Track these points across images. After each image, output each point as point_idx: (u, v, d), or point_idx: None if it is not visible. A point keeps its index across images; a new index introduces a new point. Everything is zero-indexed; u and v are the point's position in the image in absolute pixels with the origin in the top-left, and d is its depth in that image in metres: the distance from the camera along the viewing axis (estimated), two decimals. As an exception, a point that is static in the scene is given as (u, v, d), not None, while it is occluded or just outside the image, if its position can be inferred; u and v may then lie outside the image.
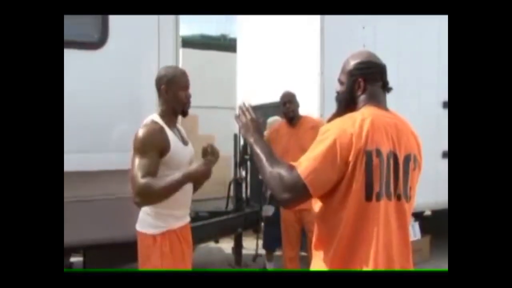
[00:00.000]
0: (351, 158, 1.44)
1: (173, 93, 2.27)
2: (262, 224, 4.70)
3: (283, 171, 1.49)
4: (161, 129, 2.20)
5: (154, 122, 2.22)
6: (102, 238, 3.13)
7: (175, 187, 2.06)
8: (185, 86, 2.31)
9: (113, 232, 3.06)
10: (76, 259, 3.95)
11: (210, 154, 2.31)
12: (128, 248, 2.65)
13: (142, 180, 2.04)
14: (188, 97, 2.32)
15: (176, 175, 2.05)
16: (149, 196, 2.06)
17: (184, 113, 2.35)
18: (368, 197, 1.46)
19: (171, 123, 2.30)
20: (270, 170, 1.51)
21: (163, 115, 2.28)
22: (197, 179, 2.13)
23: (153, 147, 2.13)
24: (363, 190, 1.46)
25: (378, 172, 1.47)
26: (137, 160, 2.11)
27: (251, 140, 1.66)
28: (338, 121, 1.54)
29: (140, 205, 2.14)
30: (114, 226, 3.02)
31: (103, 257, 3.32)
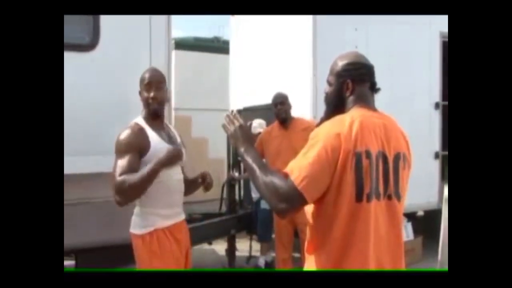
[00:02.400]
0: (341, 160, 1.44)
1: (141, 94, 2.33)
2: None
3: (277, 181, 1.47)
4: (141, 130, 2.23)
5: (135, 124, 2.26)
6: (92, 242, 3.11)
7: (149, 176, 2.10)
8: (147, 84, 2.28)
9: (102, 235, 3.04)
10: (67, 262, 3.92)
11: (206, 181, 2.45)
12: (119, 250, 2.63)
13: (118, 178, 2.09)
14: (152, 97, 2.27)
15: (148, 165, 2.11)
16: (125, 191, 2.09)
17: (152, 114, 2.29)
18: (359, 198, 1.47)
19: (156, 125, 2.31)
20: (264, 180, 1.49)
21: (145, 117, 2.31)
22: (170, 162, 2.15)
23: (131, 148, 2.16)
24: (354, 192, 1.46)
25: (368, 173, 1.47)
26: (116, 161, 2.16)
27: (242, 149, 1.63)
28: (328, 124, 1.54)
29: (120, 203, 2.14)
30: (102, 229, 3.02)
31: (95, 260, 3.29)
